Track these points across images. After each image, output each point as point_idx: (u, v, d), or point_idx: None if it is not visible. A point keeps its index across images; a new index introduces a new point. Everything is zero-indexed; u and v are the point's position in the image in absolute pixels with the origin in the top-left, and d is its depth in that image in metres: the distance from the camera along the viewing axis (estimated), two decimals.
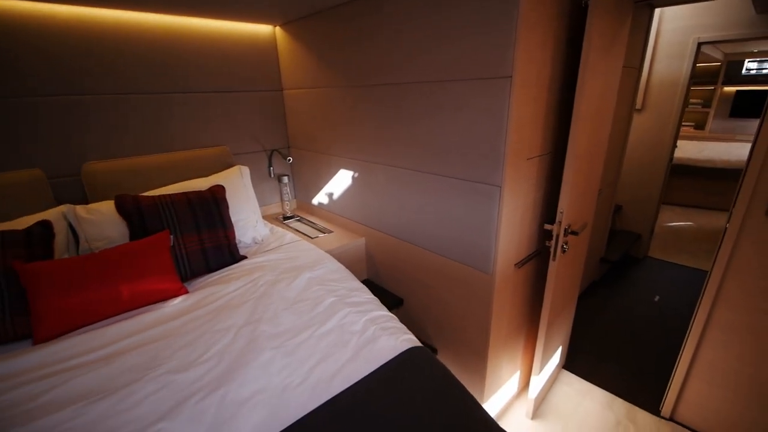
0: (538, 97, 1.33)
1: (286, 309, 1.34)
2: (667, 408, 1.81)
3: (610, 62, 1.48)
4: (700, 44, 2.95)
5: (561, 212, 1.43)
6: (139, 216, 1.54)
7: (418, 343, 1.21)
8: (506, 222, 1.37)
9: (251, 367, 1.07)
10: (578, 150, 1.37)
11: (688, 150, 5.11)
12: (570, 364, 2.20)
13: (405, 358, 1.12)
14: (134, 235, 1.53)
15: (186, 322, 1.27)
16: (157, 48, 1.86)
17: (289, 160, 2.37)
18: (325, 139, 2.14)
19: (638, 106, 3.24)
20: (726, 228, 1.47)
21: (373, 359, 1.11)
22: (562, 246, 1.48)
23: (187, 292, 1.46)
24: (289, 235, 1.98)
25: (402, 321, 1.35)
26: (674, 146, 3.26)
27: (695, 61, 3.00)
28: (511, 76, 1.17)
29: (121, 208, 1.55)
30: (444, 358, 1.79)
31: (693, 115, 6.19)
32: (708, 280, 1.56)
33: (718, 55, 5.41)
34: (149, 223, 1.54)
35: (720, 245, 1.50)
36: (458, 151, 1.40)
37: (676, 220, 4.51)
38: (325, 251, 1.81)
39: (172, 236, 1.55)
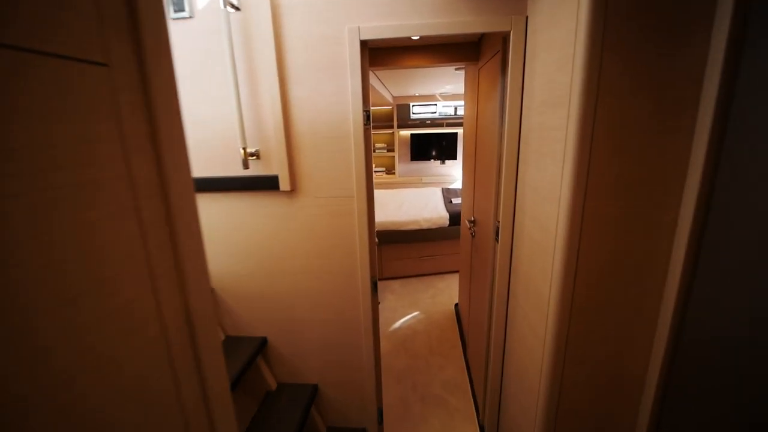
0: None
1: None
2: None
3: None
4: (364, 42, 1.40)
5: None
6: None
7: None
8: None
9: None
10: None
11: (388, 207, 4.13)
12: None
13: None
14: None
15: None
16: None
17: None
18: None
19: (286, 186, 1.40)
20: None
21: None
22: None
23: None
24: None
25: None
26: (374, 228, 1.64)
27: (365, 73, 1.44)
28: None
29: None
30: None
31: (382, 160, 5.70)
32: None
33: (388, 96, 4.90)
34: None
35: None
36: None
37: (400, 312, 3.21)
38: None
39: None
